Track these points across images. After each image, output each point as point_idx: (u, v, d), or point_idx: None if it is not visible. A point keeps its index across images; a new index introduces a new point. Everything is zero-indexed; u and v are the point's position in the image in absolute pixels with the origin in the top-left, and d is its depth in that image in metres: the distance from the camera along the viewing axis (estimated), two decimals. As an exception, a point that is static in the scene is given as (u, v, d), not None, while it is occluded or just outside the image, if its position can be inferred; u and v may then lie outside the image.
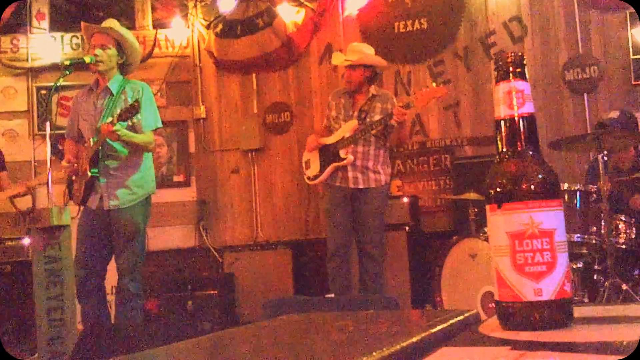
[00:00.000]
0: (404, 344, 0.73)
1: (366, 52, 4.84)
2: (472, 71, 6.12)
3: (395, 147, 4.93)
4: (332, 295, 4.48)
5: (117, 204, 3.98)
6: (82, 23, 4.23)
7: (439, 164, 6.12)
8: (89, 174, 3.94)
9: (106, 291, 4.19)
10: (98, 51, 4.03)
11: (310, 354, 0.78)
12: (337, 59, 4.95)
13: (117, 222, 3.99)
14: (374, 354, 0.66)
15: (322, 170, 4.78)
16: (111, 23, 4.13)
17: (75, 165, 4.07)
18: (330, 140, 4.79)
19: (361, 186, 4.65)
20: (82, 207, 4.08)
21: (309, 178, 4.93)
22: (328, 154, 4.77)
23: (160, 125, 4.18)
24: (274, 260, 5.90)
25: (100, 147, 3.95)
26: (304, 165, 4.99)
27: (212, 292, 5.85)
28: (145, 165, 4.13)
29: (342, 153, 4.69)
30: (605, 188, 3.71)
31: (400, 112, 4.49)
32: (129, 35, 4.17)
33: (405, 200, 5.55)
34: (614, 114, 4.47)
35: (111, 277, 4.18)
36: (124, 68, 4.21)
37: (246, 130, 6.72)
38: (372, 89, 4.80)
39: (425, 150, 6.18)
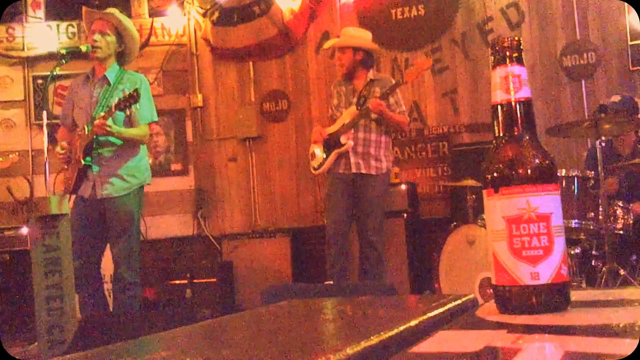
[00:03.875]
0: (402, 328, 0.73)
1: (353, 34, 4.83)
2: (469, 58, 6.10)
3: (395, 132, 4.93)
4: (331, 282, 4.48)
5: (110, 192, 3.98)
6: (83, 8, 4.18)
7: (437, 151, 6.12)
8: (82, 162, 3.93)
9: (104, 279, 4.19)
10: (97, 36, 4.00)
11: (309, 339, 0.78)
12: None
13: (110, 211, 3.98)
14: (372, 338, 0.67)
15: (325, 159, 4.78)
16: (112, 11, 4.12)
17: (69, 154, 4.06)
18: (332, 129, 4.79)
19: (363, 171, 4.64)
20: (72, 197, 4.07)
21: (314, 168, 4.91)
22: (330, 143, 4.76)
23: (156, 119, 4.17)
24: (273, 247, 5.91)
25: (94, 136, 3.93)
26: (310, 157, 4.98)
27: (210, 280, 5.87)
28: (139, 155, 4.12)
29: (342, 139, 4.68)
30: (603, 174, 3.71)
31: (375, 103, 4.46)
32: (128, 23, 4.15)
33: (404, 187, 5.55)
34: (615, 98, 4.47)
35: (110, 265, 4.18)
36: (122, 58, 4.19)
37: (243, 119, 6.71)
38: (370, 74, 4.77)
39: (423, 137, 6.17)
